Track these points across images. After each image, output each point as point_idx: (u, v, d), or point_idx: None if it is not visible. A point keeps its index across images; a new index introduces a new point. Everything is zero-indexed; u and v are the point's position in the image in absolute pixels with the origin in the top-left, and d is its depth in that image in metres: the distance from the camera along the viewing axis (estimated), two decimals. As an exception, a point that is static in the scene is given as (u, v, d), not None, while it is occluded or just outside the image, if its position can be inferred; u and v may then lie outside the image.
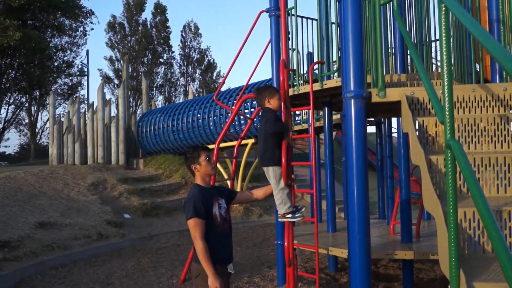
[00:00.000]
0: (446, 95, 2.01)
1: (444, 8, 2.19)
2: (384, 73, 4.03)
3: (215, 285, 3.01)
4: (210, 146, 4.01)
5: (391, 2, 3.99)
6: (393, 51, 5.11)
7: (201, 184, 3.30)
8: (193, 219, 3.09)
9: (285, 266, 4.71)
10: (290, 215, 3.73)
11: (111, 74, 33.37)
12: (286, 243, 4.05)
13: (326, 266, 6.50)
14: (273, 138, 3.75)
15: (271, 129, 3.73)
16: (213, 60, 36.98)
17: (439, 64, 6.18)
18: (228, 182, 6.42)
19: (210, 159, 3.32)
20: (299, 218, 3.77)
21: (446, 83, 2.01)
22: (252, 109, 12.13)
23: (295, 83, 5.53)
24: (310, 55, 6.58)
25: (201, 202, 3.14)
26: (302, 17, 6.06)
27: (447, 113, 2.01)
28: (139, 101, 31.28)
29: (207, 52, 36.23)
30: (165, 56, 34.49)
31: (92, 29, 56.80)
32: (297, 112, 11.30)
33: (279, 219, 3.96)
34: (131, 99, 30.88)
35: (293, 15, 5.63)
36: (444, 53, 2.03)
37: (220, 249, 3.21)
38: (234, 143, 6.05)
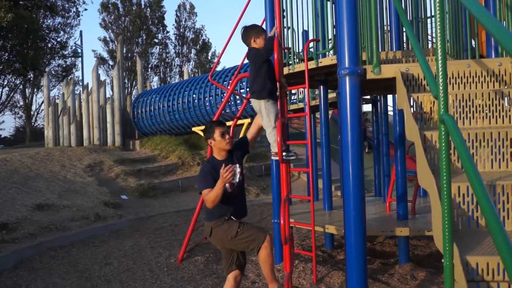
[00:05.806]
0: (440, 68, 2.00)
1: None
2: (380, 50, 4.00)
3: (225, 170, 3.21)
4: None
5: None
6: (388, 28, 5.07)
7: (217, 157, 3.58)
8: (204, 191, 3.41)
9: (282, 245, 4.75)
10: (284, 154, 3.86)
11: (105, 55, 33.18)
12: (282, 222, 4.07)
13: (322, 243, 6.56)
14: (263, 69, 3.63)
15: (263, 57, 3.60)
16: (208, 39, 36.72)
17: (434, 40, 6.13)
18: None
19: (224, 135, 3.52)
20: (292, 157, 3.92)
21: (440, 57, 1.99)
22: (248, 89, 12.06)
23: (290, 62, 5.49)
24: (305, 33, 6.52)
25: (209, 174, 3.41)
26: (297, -6, 5.98)
27: (441, 87, 2.00)
28: (134, 82, 31.09)
29: (201, 32, 35.93)
30: (159, 36, 34.21)
31: (86, 9, 56.36)
32: (293, 91, 11.25)
33: (272, 157, 4.09)
34: (126, 80, 30.70)
35: (287, -8, 5.55)
36: (438, 26, 2.00)
37: (233, 207, 3.53)
38: (230, 123, 6.03)
